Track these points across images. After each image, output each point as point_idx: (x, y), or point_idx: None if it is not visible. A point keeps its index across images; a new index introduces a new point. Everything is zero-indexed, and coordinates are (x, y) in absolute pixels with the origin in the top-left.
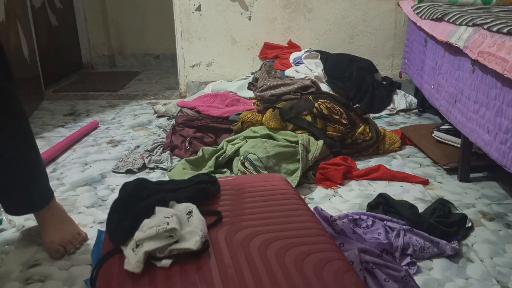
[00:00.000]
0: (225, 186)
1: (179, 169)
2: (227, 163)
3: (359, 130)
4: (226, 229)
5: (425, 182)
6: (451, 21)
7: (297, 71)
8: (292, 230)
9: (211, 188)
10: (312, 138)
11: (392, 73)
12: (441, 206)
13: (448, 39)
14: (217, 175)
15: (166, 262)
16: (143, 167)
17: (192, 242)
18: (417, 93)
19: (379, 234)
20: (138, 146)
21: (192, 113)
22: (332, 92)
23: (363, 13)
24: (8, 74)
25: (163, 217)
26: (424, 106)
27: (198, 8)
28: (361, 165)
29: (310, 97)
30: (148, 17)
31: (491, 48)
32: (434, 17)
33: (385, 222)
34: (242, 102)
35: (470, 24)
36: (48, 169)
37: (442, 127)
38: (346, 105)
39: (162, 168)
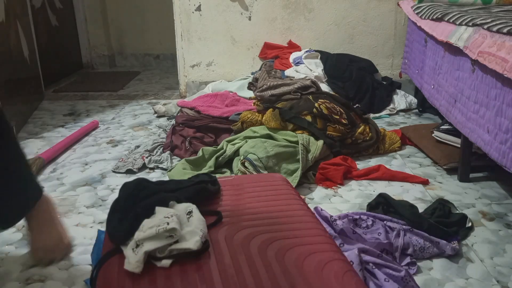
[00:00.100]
0: (225, 186)
1: (179, 169)
2: (227, 163)
3: (359, 130)
4: (226, 229)
5: (425, 182)
6: (451, 21)
7: (297, 71)
8: (292, 230)
9: (211, 188)
10: (312, 138)
11: (392, 73)
12: (441, 206)
13: (448, 39)
14: (217, 175)
15: (166, 262)
16: (143, 167)
17: (192, 242)
18: (417, 93)
19: (379, 234)
20: (138, 146)
21: (192, 113)
22: (332, 92)
23: (363, 13)
24: None
25: (163, 217)
26: (424, 106)
27: (198, 8)
28: (361, 165)
29: (310, 97)
30: (148, 17)
31: (491, 48)
32: (434, 17)
33: (385, 222)
34: (242, 102)
35: (470, 24)
36: (48, 169)
37: (442, 127)
38: (346, 105)
39: (162, 168)
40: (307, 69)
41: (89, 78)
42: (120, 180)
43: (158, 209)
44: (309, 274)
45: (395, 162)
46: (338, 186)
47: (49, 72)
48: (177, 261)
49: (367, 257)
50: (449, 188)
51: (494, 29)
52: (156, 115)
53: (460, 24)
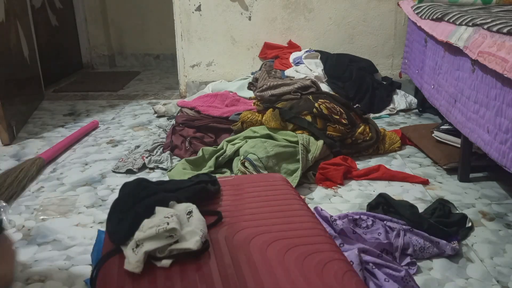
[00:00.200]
0: (225, 186)
1: (179, 169)
2: (227, 163)
3: (359, 130)
4: (226, 229)
5: (425, 182)
6: (451, 21)
7: (297, 71)
8: (292, 230)
9: (211, 188)
10: (312, 138)
11: (392, 73)
12: (441, 206)
13: (448, 39)
14: (217, 175)
15: (166, 262)
16: (143, 167)
17: (192, 242)
18: (417, 93)
19: (379, 234)
20: (138, 146)
21: (192, 113)
22: (332, 92)
23: (363, 13)
24: None
25: (163, 217)
26: (424, 106)
27: (198, 8)
28: (361, 165)
29: (310, 97)
30: (148, 17)
31: (491, 48)
32: (434, 17)
33: (385, 222)
34: (242, 102)
35: (470, 24)
36: (48, 169)
37: (442, 127)
38: (346, 105)
39: (162, 168)
40: (307, 69)
41: (89, 78)
42: (120, 180)
43: (158, 209)
44: (309, 274)
45: (395, 162)
46: (338, 186)
47: (49, 72)
48: (177, 261)
49: (367, 257)
50: (449, 188)
51: (494, 29)
52: (156, 115)
53: (460, 24)
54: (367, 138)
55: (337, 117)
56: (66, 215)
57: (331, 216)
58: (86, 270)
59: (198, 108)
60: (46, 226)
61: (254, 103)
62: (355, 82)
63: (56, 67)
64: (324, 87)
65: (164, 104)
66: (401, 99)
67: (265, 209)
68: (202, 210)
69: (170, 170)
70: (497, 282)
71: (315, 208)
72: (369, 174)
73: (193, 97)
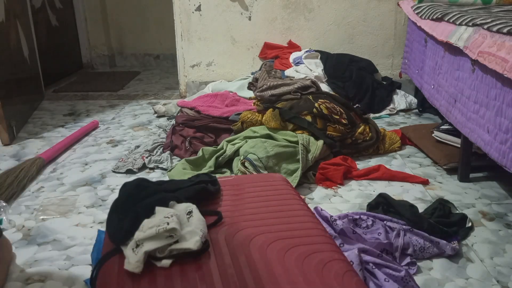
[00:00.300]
0: (225, 186)
1: (179, 169)
2: (227, 163)
3: (359, 130)
4: (226, 229)
5: (425, 182)
6: (451, 21)
7: (297, 71)
8: (292, 230)
9: (211, 188)
10: (312, 138)
11: (392, 73)
12: (441, 206)
13: (448, 39)
14: (217, 175)
15: (166, 262)
16: (143, 167)
17: (192, 242)
18: (417, 93)
19: (379, 234)
20: (138, 146)
21: (192, 113)
22: (332, 92)
23: (363, 13)
24: None
25: (163, 217)
26: (424, 106)
27: (198, 8)
28: (361, 165)
29: (310, 97)
30: (148, 17)
31: (491, 48)
32: (434, 17)
33: (385, 222)
34: (242, 102)
35: (470, 24)
36: (48, 169)
37: (442, 127)
38: (346, 105)
39: (162, 168)
40: (307, 69)
41: (89, 78)
42: (120, 180)
43: (158, 209)
44: (309, 274)
45: (395, 162)
46: (338, 186)
47: (49, 72)
48: (177, 261)
49: (367, 257)
50: (449, 188)
51: (494, 29)
52: (156, 115)
53: (460, 24)
54: (367, 138)
55: (337, 117)
56: (66, 215)
57: (331, 216)
58: (86, 270)
59: (198, 108)
60: (46, 226)
61: (254, 103)
62: (355, 82)
63: (56, 67)
64: (324, 87)
65: (164, 104)
66: (401, 99)
67: (265, 209)
68: (202, 210)
69: (170, 170)
70: (497, 282)
71: (315, 208)
72: (369, 174)
73: (193, 97)
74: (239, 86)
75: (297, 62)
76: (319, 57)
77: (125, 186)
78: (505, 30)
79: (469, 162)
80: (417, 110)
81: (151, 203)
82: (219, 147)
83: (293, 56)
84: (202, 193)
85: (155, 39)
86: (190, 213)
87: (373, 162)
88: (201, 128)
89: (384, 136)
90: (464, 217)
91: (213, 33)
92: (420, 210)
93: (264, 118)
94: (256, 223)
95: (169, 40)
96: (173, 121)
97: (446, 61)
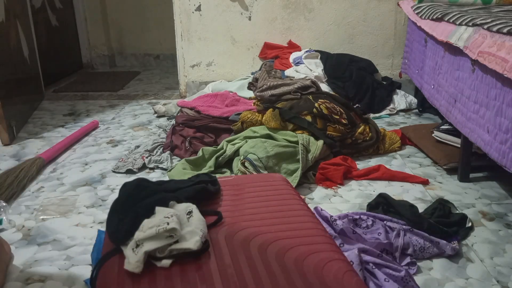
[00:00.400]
0: (225, 186)
1: (179, 169)
2: (227, 163)
3: (359, 130)
4: (226, 229)
5: (425, 182)
6: (451, 21)
7: (297, 71)
8: (292, 230)
9: (211, 188)
10: (312, 138)
11: (392, 73)
12: (441, 206)
13: (448, 39)
14: (217, 175)
15: (166, 262)
16: (143, 167)
17: (192, 242)
18: (417, 93)
19: (379, 234)
20: (138, 146)
21: (192, 113)
22: (332, 92)
23: (363, 13)
24: None
25: (163, 217)
26: (424, 106)
27: (198, 8)
28: (361, 165)
29: (310, 97)
30: (148, 17)
31: (491, 48)
32: (434, 17)
33: (385, 222)
34: (242, 102)
35: (470, 24)
36: (48, 169)
37: (442, 127)
38: (346, 105)
39: (162, 168)
40: (307, 69)
41: (89, 78)
42: (120, 180)
43: (158, 209)
44: (309, 274)
45: (395, 162)
46: (338, 186)
47: (49, 72)
48: (177, 261)
49: (367, 257)
50: (449, 188)
51: (494, 29)
52: (156, 115)
53: (460, 24)
54: (367, 138)
55: (337, 117)
56: (66, 215)
57: (331, 216)
58: (86, 270)
59: (198, 108)
60: (46, 226)
61: (254, 103)
62: (355, 82)
63: (56, 67)
64: (324, 87)
65: (164, 104)
66: (401, 99)
67: (265, 209)
68: (202, 210)
69: (170, 170)
70: (497, 282)
71: (315, 208)
72: (369, 174)
73: (193, 97)
74: (239, 86)
75: (297, 62)
76: (319, 57)
77: (125, 186)
78: (505, 30)
79: (469, 162)
80: (417, 110)
81: (151, 203)
82: (219, 147)
83: (293, 56)
84: (202, 193)
85: (155, 39)
86: (190, 213)
87: (373, 162)
88: (201, 128)
89: (384, 136)
90: (464, 217)
91: (213, 33)
92: (420, 210)
93: (264, 118)
94: (256, 223)
95: (169, 40)
96: (173, 121)
97: (446, 61)
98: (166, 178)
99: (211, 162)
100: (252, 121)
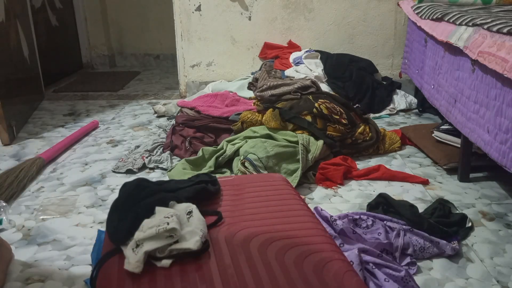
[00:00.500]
0: (225, 186)
1: (179, 169)
2: (227, 163)
3: (359, 130)
4: (226, 229)
5: (425, 182)
6: (451, 21)
7: (297, 71)
8: (292, 230)
9: (211, 188)
10: (312, 138)
11: (392, 73)
12: (441, 206)
13: (448, 39)
14: (217, 175)
15: (166, 262)
16: (143, 167)
17: (192, 242)
18: (417, 93)
19: (379, 234)
20: (138, 146)
21: (192, 113)
22: (332, 92)
23: (363, 13)
24: None
25: (163, 217)
26: (424, 106)
27: (198, 8)
28: (361, 165)
29: (310, 97)
30: (148, 17)
31: (491, 48)
32: (434, 17)
33: (385, 222)
34: (242, 102)
35: (470, 24)
36: (48, 169)
37: (442, 127)
38: (346, 105)
39: (162, 168)
40: (307, 69)
41: (89, 78)
42: (120, 180)
43: (158, 209)
44: (309, 274)
45: (395, 162)
46: (338, 186)
47: (49, 72)
48: (177, 261)
49: (367, 257)
50: (449, 188)
51: (494, 29)
52: (156, 115)
53: (460, 24)
54: (367, 138)
55: (337, 117)
56: (66, 215)
57: (331, 216)
58: (86, 270)
59: (198, 108)
60: (46, 226)
61: (254, 103)
62: (355, 82)
63: (56, 67)
64: (324, 87)
65: (164, 104)
66: (401, 99)
67: (265, 209)
68: (202, 210)
69: (170, 170)
70: (497, 282)
71: (315, 208)
72: (369, 174)
73: (193, 97)
74: (239, 86)
75: (297, 62)
76: (319, 57)
77: (125, 186)
78: (505, 30)
79: (469, 162)
80: (417, 110)
81: (151, 203)
82: (219, 147)
83: (293, 56)
84: (202, 193)
85: (155, 39)
86: (190, 213)
87: (373, 162)
88: (201, 128)
89: (384, 136)
90: (464, 217)
91: (213, 33)
92: (420, 210)
93: (264, 118)
94: (256, 223)
95: (169, 40)
96: (173, 121)
97: (446, 61)
98: (166, 178)
99: (211, 162)
100: (252, 121)
